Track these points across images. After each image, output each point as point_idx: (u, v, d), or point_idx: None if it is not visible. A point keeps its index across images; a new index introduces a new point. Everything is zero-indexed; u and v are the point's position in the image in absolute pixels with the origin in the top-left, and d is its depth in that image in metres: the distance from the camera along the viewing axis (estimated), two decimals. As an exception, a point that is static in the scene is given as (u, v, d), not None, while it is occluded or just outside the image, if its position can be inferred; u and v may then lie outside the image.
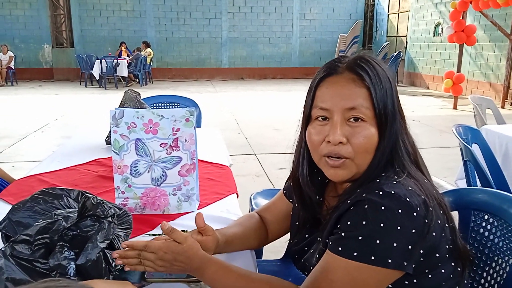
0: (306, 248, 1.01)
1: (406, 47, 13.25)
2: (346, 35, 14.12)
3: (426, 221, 0.79)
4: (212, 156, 1.93)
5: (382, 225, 0.78)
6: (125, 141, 1.29)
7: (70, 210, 0.99)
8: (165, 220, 1.27)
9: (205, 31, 15.00)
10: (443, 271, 0.86)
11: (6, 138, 5.87)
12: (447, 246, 0.86)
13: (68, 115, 7.83)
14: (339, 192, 0.97)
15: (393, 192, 0.79)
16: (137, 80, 12.84)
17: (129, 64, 12.31)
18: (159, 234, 1.19)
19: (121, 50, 13.46)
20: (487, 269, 1.06)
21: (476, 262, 1.08)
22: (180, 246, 0.89)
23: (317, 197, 1.02)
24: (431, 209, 0.81)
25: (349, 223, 0.82)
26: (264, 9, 15.16)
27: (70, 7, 14.38)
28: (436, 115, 7.87)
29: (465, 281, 0.93)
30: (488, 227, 1.08)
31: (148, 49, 13.30)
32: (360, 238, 0.79)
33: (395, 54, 12.43)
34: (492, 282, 1.04)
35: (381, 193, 0.80)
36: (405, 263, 0.79)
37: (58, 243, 0.90)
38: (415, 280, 0.84)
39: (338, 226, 0.85)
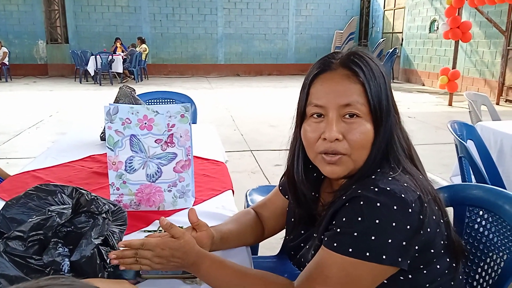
0: (302, 244, 1.01)
1: (401, 44, 13.26)
2: (342, 31, 14.12)
3: (421, 217, 0.79)
4: (207, 152, 1.93)
5: (377, 221, 0.78)
6: (119, 137, 1.28)
7: (64, 206, 0.98)
8: (160, 216, 1.26)
9: (200, 27, 14.95)
10: (438, 266, 0.86)
11: (1, 134, 5.83)
12: (442, 242, 0.87)
13: (63, 111, 7.79)
14: (335, 188, 0.97)
15: (388, 188, 0.80)
16: (132, 76, 12.78)
17: (124, 60, 12.25)
18: (154, 231, 1.18)
19: (116, 46, 13.39)
20: (481, 264, 1.07)
21: (471, 258, 1.09)
22: (177, 242, 0.89)
23: (313, 193, 1.02)
24: (426, 205, 0.81)
25: (344, 219, 0.82)
26: (260, 5, 15.12)
27: (64, 3, 14.28)
28: (431, 112, 7.90)
29: (460, 277, 0.93)
30: (483, 223, 1.08)
31: (143, 45, 13.24)
32: (355, 234, 0.79)
33: (391, 50, 12.43)
34: (487, 277, 1.05)
35: (376, 189, 0.80)
36: (400, 259, 0.79)
37: (52, 240, 0.89)
38: (410, 276, 0.84)
39: (334, 222, 0.85)
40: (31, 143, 5.43)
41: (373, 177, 0.84)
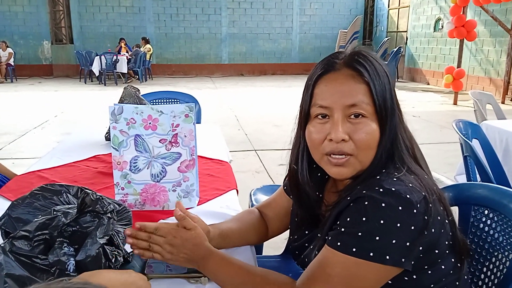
0: (306, 244, 1.01)
1: (406, 43, 13.22)
2: (346, 30, 14.09)
3: (426, 217, 0.79)
4: (211, 152, 1.93)
5: (382, 222, 0.78)
6: (124, 137, 1.29)
7: (70, 206, 0.99)
8: (164, 216, 1.27)
9: (204, 27, 14.96)
10: (443, 267, 0.86)
11: (6, 134, 5.86)
12: (446, 242, 0.86)
13: (68, 111, 7.82)
14: (339, 188, 0.97)
15: (393, 189, 0.79)
16: (137, 76, 12.81)
17: (128, 61, 12.28)
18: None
19: (121, 47, 13.42)
20: (487, 264, 1.06)
21: (476, 257, 1.08)
22: (189, 232, 0.92)
23: (317, 193, 1.02)
24: (431, 205, 0.80)
25: (348, 219, 0.82)
26: (263, 5, 15.11)
27: (69, 3, 14.33)
28: (436, 111, 7.86)
29: (465, 277, 0.93)
30: (488, 222, 1.08)
31: (148, 45, 13.26)
32: (359, 234, 0.79)
33: (395, 49, 12.38)
34: (492, 277, 1.04)
35: (381, 190, 0.80)
36: (404, 260, 0.79)
37: (57, 239, 0.89)
38: (414, 276, 0.84)
39: (338, 222, 0.85)
40: (37, 143, 5.46)
41: (378, 177, 0.84)
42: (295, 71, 15.29)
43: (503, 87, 8.77)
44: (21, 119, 7.01)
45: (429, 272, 0.85)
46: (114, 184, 1.33)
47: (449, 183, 1.68)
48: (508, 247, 1.01)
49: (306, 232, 1.03)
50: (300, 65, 15.33)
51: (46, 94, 10.28)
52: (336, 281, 0.80)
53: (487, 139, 2.48)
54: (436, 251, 0.84)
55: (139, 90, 2.09)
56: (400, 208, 0.78)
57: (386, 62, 10.16)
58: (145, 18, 14.66)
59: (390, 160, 0.88)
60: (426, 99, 9.30)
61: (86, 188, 1.03)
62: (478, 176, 2.24)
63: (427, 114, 7.28)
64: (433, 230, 0.81)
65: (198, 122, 2.76)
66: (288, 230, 1.13)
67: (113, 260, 0.91)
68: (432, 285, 0.86)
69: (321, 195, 1.02)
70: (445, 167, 4.11)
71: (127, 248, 1.00)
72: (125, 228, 1.03)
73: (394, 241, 0.78)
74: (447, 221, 0.86)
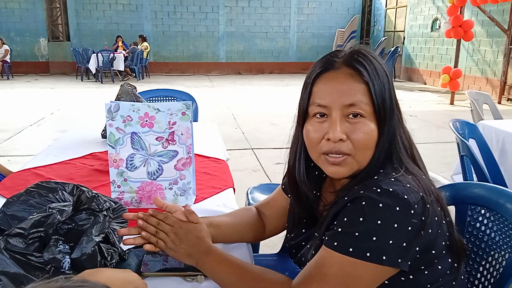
0: (303, 243, 1.00)
1: (403, 42, 13.23)
2: (344, 30, 14.10)
3: (423, 218, 0.79)
4: (208, 150, 1.93)
5: (379, 222, 0.77)
6: (120, 134, 1.28)
7: (65, 203, 0.98)
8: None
9: (202, 25, 14.93)
10: (439, 267, 0.86)
11: (2, 132, 5.84)
12: (443, 243, 0.86)
13: (64, 109, 7.80)
14: (337, 187, 0.96)
15: (391, 189, 0.79)
16: (134, 74, 12.78)
17: (125, 58, 12.25)
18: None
19: (118, 44, 13.38)
20: (483, 263, 1.06)
21: (472, 257, 1.09)
22: (193, 225, 0.98)
23: (314, 192, 1.01)
24: (428, 206, 0.80)
25: (346, 219, 0.82)
26: (261, 3, 15.10)
27: (66, 1, 14.27)
28: (433, 110, 7.88)
29: (462, 276, 0.93)
30: (485, 221, 1.08)
31: (145, 43, 13.23)
32: (356, 234, 0.79)
33: (393, 49, 12.42)
34: (489, 276, 1.04)
35: (379, 190, 0.79)
36: (400, 260, 0.78)
37: (52, 237, 0.89)
38: (411, 277, 0.84)
39: (335, 222, 0.84)
40: (32, 141, 5.43)
41: (376, 177, 0.83)
42: (292, 70, 15.30)
43: (499, 87, 8.80)
44: (17, 116, 6.98)
45: (426, 272, 0.85)
46: (110, 182, 1.32)
47: (445, 182, 1.68)
48: (505, 246, 1.01)
49: (303, 230, 1.03)
50: (298, 64, 15.34)
51: (43, 91, 10.25)
52: (333, 280, 0.80)
53: (484, 138, 2.48)
54: (433, 252, 0.84)
55: (136, 88, 2.08)
56: (397, 208, 0.77)
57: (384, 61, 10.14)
58: (142, 15, 14.62)
59: (388, 160, 0.87)
60: (423, 99, 9.32)
61: (82, 186, 1.02)
62: (474, 175, 2.25)
63: (424, 114, 7.30)
64: (430, 231, 0.81)
65: (195, 120, 2.76)
66: (285, 229, 1.13)
67: (108, 258, 0.91)
68: (428, 285, 0.86)
69: (318, 194, 1.02)
70: (441, 167, 4.12)
71: (123, 246, 1.00)
72: (121, 226, 1.03)
73: (391, 242, 0.77)
74: (444, 222, 0.86)
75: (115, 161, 1.30)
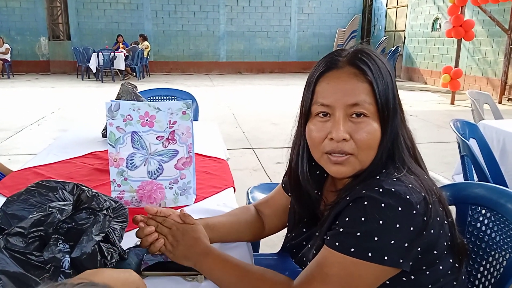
0: (304, 243, 1.00)
1: (404, 42, 13.23)
2: (344, 29, 14.09)
3: (425, 218, 0.79)
4: (209, 149, 1.93)
5: (381, 222, 0.77)
6: (121, 133, 1.28)
7: (65, 202, 0.98)
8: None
9: (202, 24, 14.93)
10: (441, 267, 0.86)
11: (3, 131, 5.84)
12: (445, 243, 0.86)
13: (65, 108, 7.80)
14: (338, 187, 0.96)
15: (393, 189, 0.79)
16: (134, 73, 12.78)
17: (126, 57, 12.25)
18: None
19: (118, 43, 13.37)
20: (484, 263, 1.06)
21: (473, 257, 1.08)
22: (190, 226, 0.99)
23: (316, 191, 1.01)
24: (430, 206, 0.80)
25: (347, 219, 0.81)
26: (262, 3, 15.09)
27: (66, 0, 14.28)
28: (433, 110, 7.88)
29: (463, 276, 0.93)
30: (486, 221, 1.08)
31: (145, 42, 13.23)
32: (358, 234, 0.79)
33: (393, 48, 12.42)
34: (489, 276, 1.04)
35: (381, 190, 0.79)
36: (401, 261, 0.78)
37: (52, 236, 0.89)
38: (412, 277, 0.83)
39: (337, 222, 0.84)
40: (33, 140, 5.43)
41: (378, 177, 0.83)
42: (293, 69, 15.29)
43: (500, 87, 8.80)
44: (17, 115, 6.98)
45: (427, 272, 0.84)
46: (111, 181, 1.32)
47: (446, 182, 1.68)
48: (505, 246, 1.01)
49: (304, 230, 1.03)
50: (298, 64, 15.34)
51: (43, 90, 10.24)
52: (334, 280, 0.80)
53: (485, 138, 2.48)
54: (435, 252, 0.84)
55: (136, 87, 2.08)
56: (399, 208, 0.77)
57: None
58: (142, 15, 14.62)
59: (391, 160, 0.87)
60: (423, 99, 9.32)
61: (82, 185, 1.02)
62: (475, 175, 2.25)
63: (425, 114, 7.29)
64: (432, 231, 0.81)
65: (196, 119, 2.76)
66: (285, 228, 1.13)
67: (108, 258, 0.90)
68: (430, 286, 0.85)
69: (320, 193, 1.02)
70: (442, 167, 4.12)
71: (123, 245, 0.99)
72: (121, 226, 1.03)
73: (392, 242, 0.77)
74: (446, 222, 0.86)
75: (115, 160, 1.30)
